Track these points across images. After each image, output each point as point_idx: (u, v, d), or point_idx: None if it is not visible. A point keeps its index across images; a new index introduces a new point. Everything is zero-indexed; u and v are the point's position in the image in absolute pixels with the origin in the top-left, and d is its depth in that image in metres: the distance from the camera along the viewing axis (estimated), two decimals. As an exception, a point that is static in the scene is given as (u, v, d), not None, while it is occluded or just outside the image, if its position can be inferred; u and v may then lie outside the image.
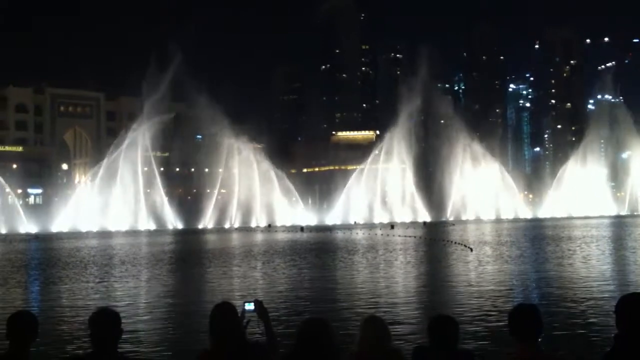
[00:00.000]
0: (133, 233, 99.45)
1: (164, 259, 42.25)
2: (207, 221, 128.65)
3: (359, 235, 73.88)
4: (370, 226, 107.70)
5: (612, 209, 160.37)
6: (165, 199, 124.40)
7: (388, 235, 70.22)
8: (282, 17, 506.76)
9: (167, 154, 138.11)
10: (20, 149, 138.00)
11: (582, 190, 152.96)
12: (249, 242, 64.80)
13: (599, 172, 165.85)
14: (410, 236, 66.42)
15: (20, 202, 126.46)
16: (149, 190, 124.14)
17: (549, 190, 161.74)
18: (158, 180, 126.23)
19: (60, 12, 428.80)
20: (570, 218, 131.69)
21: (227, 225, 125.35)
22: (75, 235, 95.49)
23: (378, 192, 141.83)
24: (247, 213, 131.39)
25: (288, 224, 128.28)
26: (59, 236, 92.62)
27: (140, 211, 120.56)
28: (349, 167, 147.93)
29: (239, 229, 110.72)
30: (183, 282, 29.27)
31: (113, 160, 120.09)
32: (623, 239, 53.86)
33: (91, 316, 5.07)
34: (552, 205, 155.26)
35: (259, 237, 75.57)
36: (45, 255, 49.08)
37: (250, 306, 5.66)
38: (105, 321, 5.01)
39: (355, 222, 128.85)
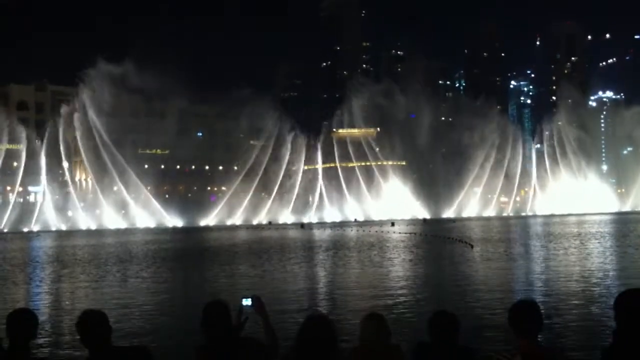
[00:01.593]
0: (132, 231, 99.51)
1: (165, 257, 42.24)
2: (209, 219, 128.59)
3: (359, 232, 73.87)
4: (370, 223, 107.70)
5: (614, 206, 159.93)
6: (151, 198, 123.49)
7: (388, 232, 70.22)
8: (282, 14, 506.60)
9: (167, 151, 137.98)
10: (20, 146, 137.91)
11: (580, 187, 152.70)
12: (251, 239, 64.80)
13: (598, 168, 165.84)
14: (410, 233, 66.46)
15: (21, 199, 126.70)
16: (149, 188, 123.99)
17: (538, 189, 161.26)
18: (157, 177, 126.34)
19: (61, 10, 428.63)
20: (569, 215, 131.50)
21: (229, 223, 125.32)
22: (74, 233, 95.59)
23: (377, 189, 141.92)
24: (251, 211, 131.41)
25: (289, 221, 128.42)
26: (60, 234, 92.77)
27: (139, 209, 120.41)
28: (349, 164, 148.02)
29: (240, 227, 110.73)
30: (182, 280, 29.27)
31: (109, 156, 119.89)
32: (626, 235, 53.72)
33: (77, 321, 4.99)
34: (550, 202, 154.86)
35: (261, 235, 75.60)
36: (46, 253, 49.16)
37: (247, 302, 5.55)
38: (91, 323, 4.94)
39: (355, 219, 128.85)
